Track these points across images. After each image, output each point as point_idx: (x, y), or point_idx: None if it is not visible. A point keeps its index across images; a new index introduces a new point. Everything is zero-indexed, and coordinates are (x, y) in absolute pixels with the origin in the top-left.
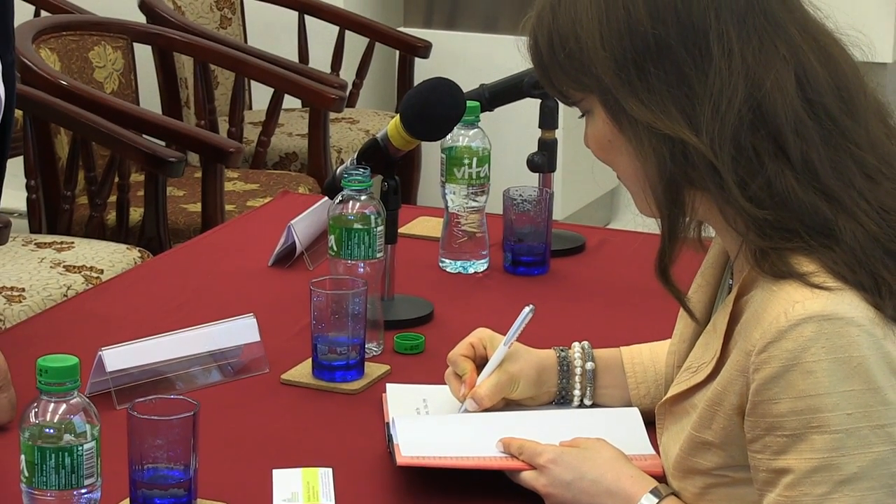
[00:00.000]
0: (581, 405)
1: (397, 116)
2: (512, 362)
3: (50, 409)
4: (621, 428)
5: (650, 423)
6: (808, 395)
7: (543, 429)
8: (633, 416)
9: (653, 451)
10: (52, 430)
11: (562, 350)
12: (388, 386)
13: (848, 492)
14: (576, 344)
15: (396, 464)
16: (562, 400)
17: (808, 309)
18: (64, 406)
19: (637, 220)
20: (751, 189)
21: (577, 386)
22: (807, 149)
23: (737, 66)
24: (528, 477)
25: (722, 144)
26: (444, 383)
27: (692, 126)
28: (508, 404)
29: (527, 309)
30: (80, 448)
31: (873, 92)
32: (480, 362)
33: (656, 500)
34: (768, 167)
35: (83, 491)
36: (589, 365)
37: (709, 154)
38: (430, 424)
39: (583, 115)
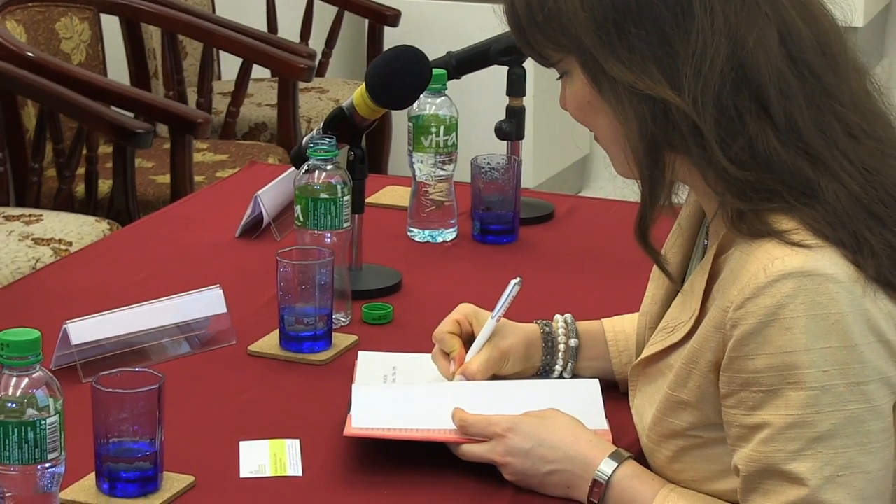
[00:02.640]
0: (560, 378)
1: (363, 85)
2: (501, 338)
3: (12, 384)
4: (578, 400)
5: None
6: (784, 351)
7: (501, 400)
8: (593, 387)
9: (606, 427)
10: (14, 405)
11: (545, 325)
12: (360, 353)
13: (821, 449)
14: (558, 317)
15: (343, 434)
16: (544, 374)
17: (787, 265)
18: (26, 380)
19: (608, 189)
20: (732, 150)
21: (560, 361)
22: (790, 107)
23: (719, 25)
24: (482, 449)
25: (704, 105)
26: (414, 352)
27: (674, 86)
28: (494, 379)
29: (513, 282)
30: (43, 422)
31: (853, 50)
32: (467, 338)
33: (616, 464)
34: (750, 127)
35: (47, 465)
36: (573, 342)
37: (691, 114)
38: (388, 394)
39: (560, 77)
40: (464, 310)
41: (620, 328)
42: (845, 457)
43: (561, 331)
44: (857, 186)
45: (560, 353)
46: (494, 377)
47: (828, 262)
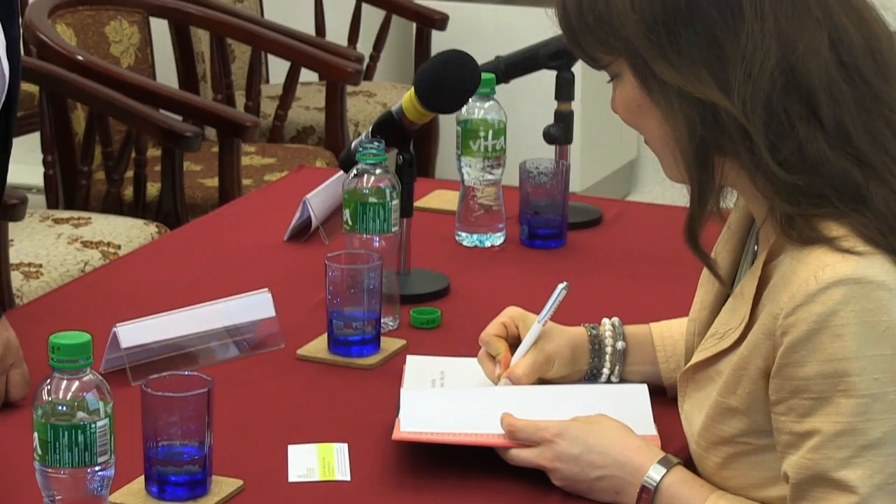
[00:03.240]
0: (608, 382)
1: (412, 89)
2: (547, 341)
3: (62, 387)
4: (626, 405)
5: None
6: (835, 358)
7: (550, 405)
8: (641, 393)
9: (654, 433)
10: (64, 408)
11: (592, 328)
12: (409, 357)
13: (871, 457)
14: (605, 321)
15: (391, 438)
16: (591, 377)
17: (838, 272)
18: (77, 383)
19: (656, 193)
20: (782, 154)
21: (608, 364)
22: (840, 112)
23: (769, 29)
24: (531, 454)
25: (754, 108)
26: (462, 356)
27: (723, 89)
28: (540, 383)
29: (561, 286)
30: (93, 425)
31: None
32: (513, 342)
33: (665, 470)
34: (800, 131)
35: (97, 468)
36: (620, 344)
37: (740, 118)
38: (436, 399)
39: (611, 80)
40: (510, 313)
41: (668, 333)
42: (895, 465)
43: (608, 334)
44: None
45: (607, 357)
46: (541, 381)
47: (879, 268)
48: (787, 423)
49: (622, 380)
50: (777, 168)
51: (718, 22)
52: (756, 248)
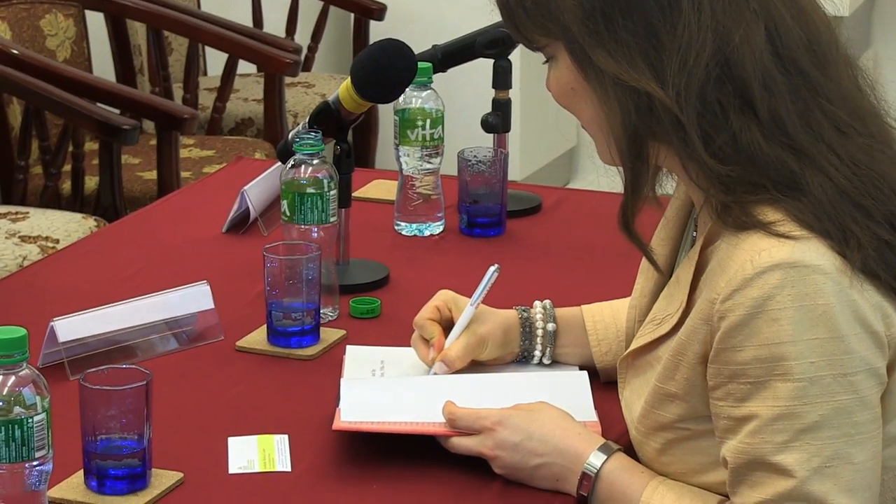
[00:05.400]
0: (540, 363)
1: (348, 79)
2: (480, 323)
3: None
4: (567, 392)
5: (612, 381)
6: (772, 342)
7: (491, 393)
8: (582, 379)
9: (595, 419)
10: (1, 403)
11: (524, 310)
12: (348, 347)
13: (808, 440)
14: (537, 303)
15: (331, 428)
16: (523, 359)
17: (774, 256)
18: (13, 378)
19: (596, 180)
20: (715, 144)
21: (539, 346)
22: (775, 104)
23: (706, 20)
24: (472, 443)
25: (688, 99)
26: (402, 346)
27: (658, 79)
28: (472, 365)
29: (492, 269)
30: (30, 420)
31: (844, 46)
32: (446, 325)
33: (605, 457)
34: (734, 122)
35: (35, 463)
36: (550, 326)
37: (674, 108)
38: (376, 388)
39: (546, 61)
40: (443, 296)
41: (600, 317)
42: (833, 448)
43: (539, 316)
44: (844, 179)
45: (538, 339)
46: (475, 364)
47: (814, 252)
48: (724, 408)
49: (554, 361)
50: (709, 159)
51: (656, 12)
52: (695, 234)
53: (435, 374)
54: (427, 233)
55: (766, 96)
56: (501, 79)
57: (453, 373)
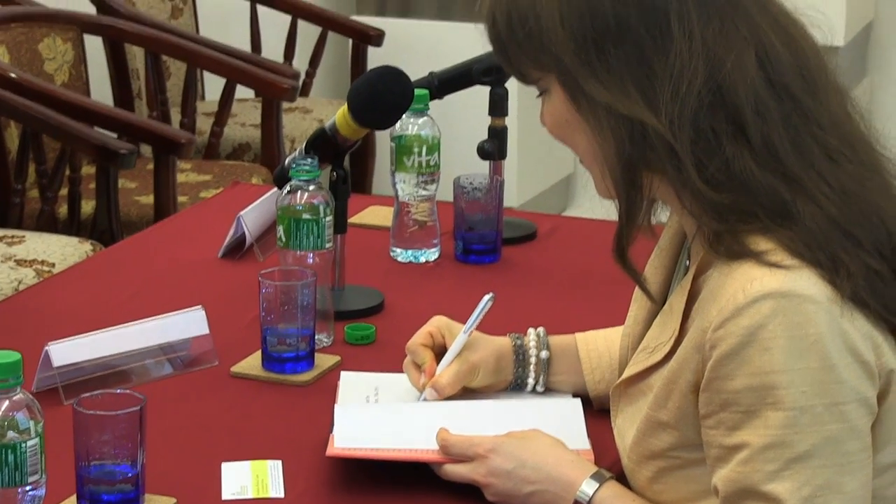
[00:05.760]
0: (533, 391)
1: (345, 105)
2: (472, 351)
3: None
4: (560, 420)
5: (605, 409)
6: (763, 371)
7: (484, 420)
8: (575, 407)
9: (588, 447)
10: None
11: (517, 338)
12: (343, 374)
13: (799, 469)
14: (531, 331)
15: (325, 454)
16: (516, 387)
17: (765, 286)
18: (7, 402)
19: (592, 208)
20: (708, 171)
21: (532, 374)
22: (767, 130)
23: (697, 48)
24: (465, 470)
25: (681, 126)
26: (396, 372)
27: (651, 107)
28: (464, 392)
29: (486, 297)
30: (23, 445)
31: (833, 73)
32: (439, 351)
33: (597, 485)
34: (727, 149)
35: (27, 488)
36: (544, 353)
37: (667, 136)
38: (370, 414)
39: (540, 95)
40: (437, 322)
41: (594, 345)
42: (823, 477)
43: (532, 344)
44: (835, 208)
45: (532, 367)
46: (467, 391)
47: (805, 282)
48: (716, 436)
49: (548, 389)
50: (703, 186)
51: (647, 41)
52: (688, 262)
53: (425, 399)
54: (422, 259)
55: (759, 122)
56: (498, 106)
57: (446, 399)
